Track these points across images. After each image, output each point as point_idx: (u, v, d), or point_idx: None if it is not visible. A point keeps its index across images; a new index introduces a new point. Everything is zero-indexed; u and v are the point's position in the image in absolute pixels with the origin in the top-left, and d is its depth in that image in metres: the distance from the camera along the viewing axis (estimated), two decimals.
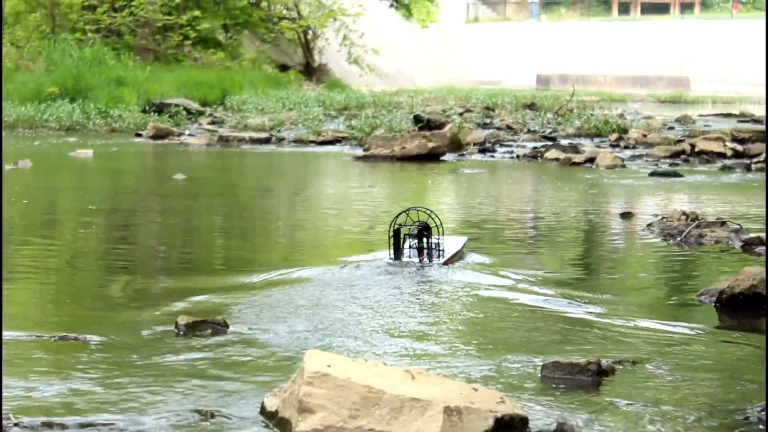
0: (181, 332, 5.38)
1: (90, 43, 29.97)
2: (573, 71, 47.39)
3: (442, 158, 16.41)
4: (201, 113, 24.71)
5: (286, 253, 8.33)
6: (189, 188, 12.61)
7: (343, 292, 6.44)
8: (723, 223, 8.96)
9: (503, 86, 44.07)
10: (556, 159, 16.02)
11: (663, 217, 9.39)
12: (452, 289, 6.59)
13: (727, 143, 17.31)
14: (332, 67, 39.10)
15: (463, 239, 7.98)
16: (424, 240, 7.22)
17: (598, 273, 7.60)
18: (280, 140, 19.68)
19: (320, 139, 19.55)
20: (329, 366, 3.88)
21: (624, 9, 59.29)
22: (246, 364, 4.85)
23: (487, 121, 23.62)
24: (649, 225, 9.29)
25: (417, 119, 19.85)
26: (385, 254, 7.29)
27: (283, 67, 36.93)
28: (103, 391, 4.39)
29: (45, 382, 4.49)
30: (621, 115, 23.18)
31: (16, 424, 3.89)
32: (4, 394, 4.19)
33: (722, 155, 16.74)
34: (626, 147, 18.50)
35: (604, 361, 4.71)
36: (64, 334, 5.28)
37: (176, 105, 23.90)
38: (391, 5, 51.55)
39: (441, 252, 7.28)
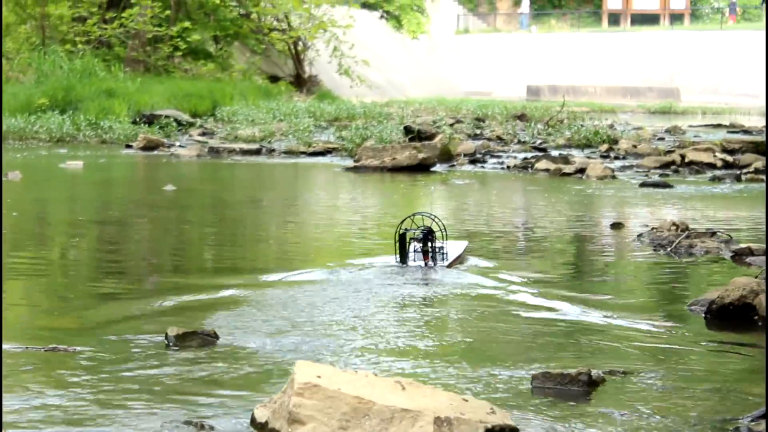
0: (170, 343, 5.37)
1: (80, 55, 29.97)
2: (563, 82, 47.43)
3: (432, 169, 16.41)
4: (191, 124, 24.72)
5: (276, 263, 8.31)
6: (179, 199, 12.60)
7: (342, 295, 6.52)
8: (713, 234, 8.98)
9: (494, 97, 44.09)
10: (547, 170, 16.04)
11: (653, 228, 9.40)
12: (449, 293, 6.77)
13: (717, 154, 17.35)
14: (323, 79, 39.17)
15: (464, 243, 8.28)
16: (429, 244, 7.52)
17: (588, 283, 7.60)
18: (271, 151, 19.69)
19: (311, 150, 19.55)
20: (319, 377, 3.88)
21: (614, 20, 59.39)
22: (236, 375, 4.84)
23: (478, 132, 23.64)
24: (640, 235, 9.29)
25: (407, 130, 19.85)
26: (392, 258, 7.60)
27: (274, 79, 36.97)
28: (92, 402, 4.38)
29: (34, 394, 4.47)
30: (611, 126, 23.22)
31: None
32: None
33: (712, 166, 16.78)
34: (616, 158, 18.53)
35: (594, 372, 4.71)
36: (54, 345, 5.26)
37: (166, 116, 23.91)
38: (382, 17, 51.65)
39: (444, 255, 7.59)
